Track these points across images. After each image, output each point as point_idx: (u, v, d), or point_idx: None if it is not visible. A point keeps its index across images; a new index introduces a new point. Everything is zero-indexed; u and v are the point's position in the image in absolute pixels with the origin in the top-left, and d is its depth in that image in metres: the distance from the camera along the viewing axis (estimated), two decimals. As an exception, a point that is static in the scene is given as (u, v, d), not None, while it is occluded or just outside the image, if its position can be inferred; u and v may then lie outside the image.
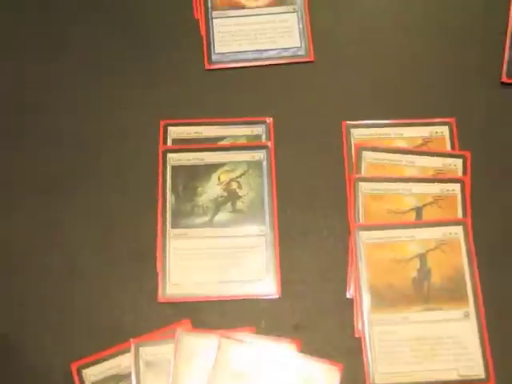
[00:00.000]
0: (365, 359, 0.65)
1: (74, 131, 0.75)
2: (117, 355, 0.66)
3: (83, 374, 0.65)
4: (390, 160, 0.72)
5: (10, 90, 0.78)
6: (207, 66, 0.78)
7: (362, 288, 0.67)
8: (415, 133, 0.74)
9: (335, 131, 0.74)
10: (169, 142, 0.74)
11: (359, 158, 0.73)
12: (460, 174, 0.72)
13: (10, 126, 0.76)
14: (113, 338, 0.66)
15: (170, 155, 0.73)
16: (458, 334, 0.66)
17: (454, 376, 0.65)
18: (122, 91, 0.77)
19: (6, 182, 0.73)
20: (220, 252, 0.69)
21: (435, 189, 0.71)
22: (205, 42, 0.79)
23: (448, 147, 0.73)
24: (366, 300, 0.67)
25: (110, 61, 0.79)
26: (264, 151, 0.73)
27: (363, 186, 0.71)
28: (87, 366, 0.66)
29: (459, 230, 0.69)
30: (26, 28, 0.80)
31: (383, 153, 0.73)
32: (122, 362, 0.66)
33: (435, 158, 0.72)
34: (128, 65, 0.78)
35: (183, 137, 0.74)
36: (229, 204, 0.71)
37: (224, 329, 0.66)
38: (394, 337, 0.66)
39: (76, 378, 0.65)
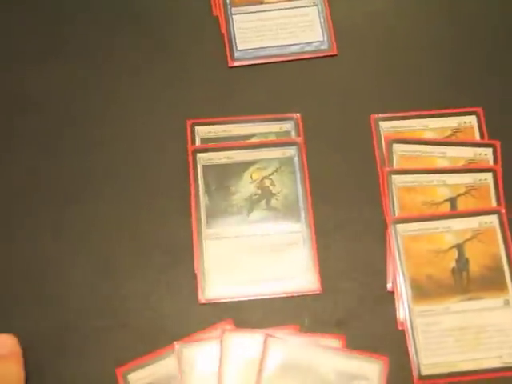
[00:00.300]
0: (410, 351, 0.66)
1: (96, 136, 0.75)
2: (161, 358, 0.66)
3: (128, 380, 0.65)
4: (421, 151, 0.73)
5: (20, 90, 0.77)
6: (230, 64, 0.77)
7: (401, 280, 0.68)
8: (443, 123, 0.75)
9: (363, 124, 0.75)
10: (197, 142, 0.74)
11: (390, 150, 0.73)
12: (491, 162, 0.73)
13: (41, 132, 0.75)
14: (155, 341, 0.66)
15: (199, 155, 0.73)
16: (500, 322, 0.67)
17: (497, 364, 0.66)
18: (144, 93, 0.76)
19: (39, 188, 0.73)
20: (257, 250, 0.70)
21: (468, 179, 0.72)
22: (226, 39, 0.78)
23: (477, 137, 0.74)
24: (407, 292, 0.68)
25: (130, 62, 0.78)
26: (295, 147, 0.73)
27: (396, 179, 0.72)
28: (132, 370, 0.65)
29: (494, 218, 0.70)
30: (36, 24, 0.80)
31: (414, 144, 0.73)
32: (166, 365, 0.66)
33: (466, 148, 0.73)
34: (149, 66, 0.78)
35: (211, 136, 0.74)
36: (263, 202, 0.71)
37: (267, 327, 0.67)
38: (436, 327, 0.67)
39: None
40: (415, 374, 0.65)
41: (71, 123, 0.75)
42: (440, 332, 0.67)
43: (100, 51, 0.79)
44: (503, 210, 0.70)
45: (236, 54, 0.78)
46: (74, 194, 0.72)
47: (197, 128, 0.74)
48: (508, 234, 0.69)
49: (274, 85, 0.77)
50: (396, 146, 0.73)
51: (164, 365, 0.66)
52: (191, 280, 0.69)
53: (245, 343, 0.66)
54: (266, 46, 0.78)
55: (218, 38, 0.79)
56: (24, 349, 0.64)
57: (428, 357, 0.66)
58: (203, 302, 0.68)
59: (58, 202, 0.72)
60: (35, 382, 0.65)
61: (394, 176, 0.72)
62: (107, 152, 0.74)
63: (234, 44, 0.78)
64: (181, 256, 0.69)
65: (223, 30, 0.79)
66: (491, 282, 0.68)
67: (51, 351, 0.66)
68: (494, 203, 0.71)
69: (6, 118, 0.75)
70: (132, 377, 0.65)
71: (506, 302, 0.67)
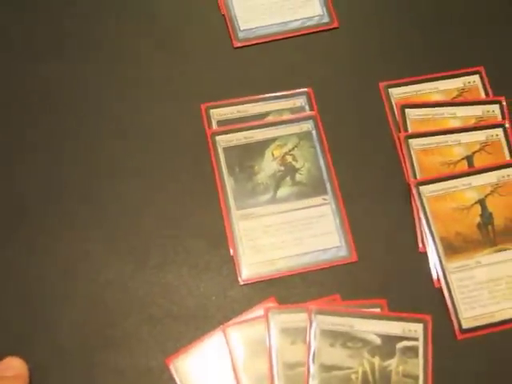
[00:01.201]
0: (449, 307, 0.65)
1: (112, 129, 0.71)
2: (209, 343, 0.63)
3: (179, 368, 0.63)
4: (433, 114, 0.72)
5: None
6: (235, 44, 0.75)
7: (431, 240, 0.67)
8: (449, 85, 0.74)
9: (373, 92, 0.73)
10: (214, 125, 0.71)
11: (403, 115, 0.72)
12: (499, 118, 0.73)
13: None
14: (201, 327, 0.64)
15: (218, 138, 0.70)
16: (529, 270, 0.67)
17: (533, 309, 0.66)
18: (155, 83, 0.73)
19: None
20: (289, 226, 0.68)
21: (480, 136, 0.72)
22: (228, 21, 0.76)
23: (482, 95, 0.74)
24: (438, 251, 0.67)
25: (135, 51, 0.75)
26: (311, 121, 0.71)
27: (413, 143, 0.71)
28: (181, 359, 0.63)
29: (511, 172, 0.70)
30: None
31: (425, 108, 0.72)
32: (215, 350, 0.63)
33: (474, 107, 0.73)
34: (154, 57, 0.75)
35: (227, 117, 0.72)
36: (288, 178, 0.69)
37: (309, 300, 0.65)
38: (471, 281, 0.66)
39: (173, 374, 0.62)
40: (457, 328, 0.65)
41: (86, 116, 0.72)
42: (474, 285, 0.66)
43: (106, 44, 0.75)
44: (518, 163, 0.71)
45: (240, 35, 0.75)
46: (98, 188, 0.69)
47: (212, 111, 0.72)
48: (525, 185, 0.70)
49: (281, 61, 0.75)
50: (408, 111, 0.72)
51: (213, 349, 0.64)
52: (228, 263, 0.66)
53: (290, 318, 0.64)
54: (268, 24, 0.76)
55: (220, 20, 0.76)
56: (72, 346, 0.62)
57: (467, 310, 0.65)
58: (243, 283, 0.66)
59: (82, 197, 0.69)
60: (86, 377, 0.62)
61: (410, 140, 0.71)
62: (125, 145, 0.71)
63: (236, 25, 0.75)
64: (214, 241, 0.67)
65: (223, 11, 0.76)
66: (516, 232, 0.68)
67: (99, 348, 0.63)
68: (508, 157, 0.71)
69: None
70: (182, 365, 0.63)
71: (533, 250, 0.68)
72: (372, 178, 0.70)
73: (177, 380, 0.62)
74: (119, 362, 0.63)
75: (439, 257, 0.67)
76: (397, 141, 0.71)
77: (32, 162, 0.70)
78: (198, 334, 0.64)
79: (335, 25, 0.76)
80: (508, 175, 0.70)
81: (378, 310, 0.65)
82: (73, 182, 0.69)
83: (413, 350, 0.63)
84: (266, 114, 0.72)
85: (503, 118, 0.72)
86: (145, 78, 0.73)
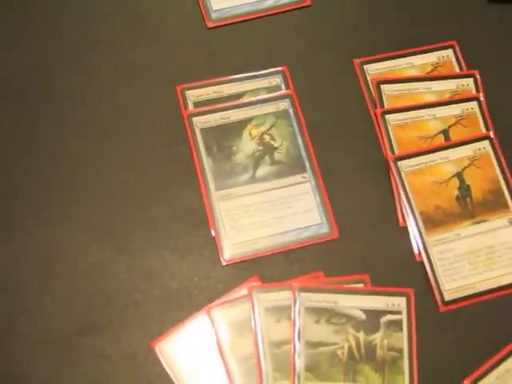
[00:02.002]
0: (431, 280, 0.65)
1: (90, 115, 0.70)
2: (194, 325, 0.62)
3: (164, 351, 0.61)
4: (409, 89, 0.71)
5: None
6: (208, 25, 0.73)
7: (411, 215, 0.67)
8: (424, 60, 0.73)
9: (348, 69, 0.73)
10: (190, 106, 0.69)
11: (379, 91, 0.71)
12: (474, 92, 0.72)
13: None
14: (185, 309, 0.62)
15: (195, 119, 0.69)
16: (508, 240, 0.67)
17: (512, 279, 0.66)
18: (130, 67, 0.72)
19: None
20: (270, 205, 0.66)
21: (456, 110, 0.71)
22: (200, 1, 0.74)
23: (456, 69, 0.73)
24: (418, 225, 0.66)
25: (107, 35, 0.73)
26: (287, 100, 0.70)
27: (390, 118, 0.70)
28: (167, 341, 0.62)
29: (486, 144, 0.70)
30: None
31: (400, 83, 0.71)
32: (200, 332, 0.62)
33: (448, 81, 0.72)
34: (129, 40, 0.73)
35: (203, 98, 0.70)
36: (266, 157, 0.68)
37: (293, 278, 0.64)
38: (451, 254, 0.66)
39: (159, 357, 0.61)
40: (439, 300, 0.64)
41: (58, 104, 0.70)
42: (455, 258, 0.66)
43: (75, 28, 0.73)
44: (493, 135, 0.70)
45: (213, 15, 0.73)
46: (74, 175, 0.67)
47: (187, 92, 0.70)
48: (501, 156, 0.69)
49: (256, 41, 0.73)
50: (384, 87, 0.71)
51: (197, 331, 0.62)
52: (210, 244, 0.65)
53: (274, 296, 0.63)
54: (241, 3, 0.74)
55: (194, 2, 0.74)
56: (56, 334, 0.61)
57: (448, 283, 0.65)
58: (226, 263, 0.64)
59: (58, 185, 0.67)
60: (72, 364, 0.61)
61: (387, 116, 0.70)
62: (100, 131, 0.69)
63: (208, 5, 0.73)
64: (196, 222, 0.65)
65: (195, -8, 0.74)
66: (494, 204, 0.68)
67: (83, 334, 0.61)
68: (483, 129, 0.70)
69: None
70: (167, 348, 0.61)
71: (511, 221, 0.67)
72: (350, 155, 0.69)
73: (162, 363, 0.61)
74: (104, 347, 0.61)
75: (419, 231, 0.66)
76: (373, 117, 0.70)
77: (4, 153, 0.68)
78: (182, 317, 0.62)
79: (308, 2, 0.75)
80: (484, 147, 0.69)
81: (361, 285, 0.64)
82: (48, 170, 0.67)
83: (397, 324, 0.63)
84: (242, 93, 0.70)
85: (477, 91, 0.72)
86: (117, 62, 0.71)
